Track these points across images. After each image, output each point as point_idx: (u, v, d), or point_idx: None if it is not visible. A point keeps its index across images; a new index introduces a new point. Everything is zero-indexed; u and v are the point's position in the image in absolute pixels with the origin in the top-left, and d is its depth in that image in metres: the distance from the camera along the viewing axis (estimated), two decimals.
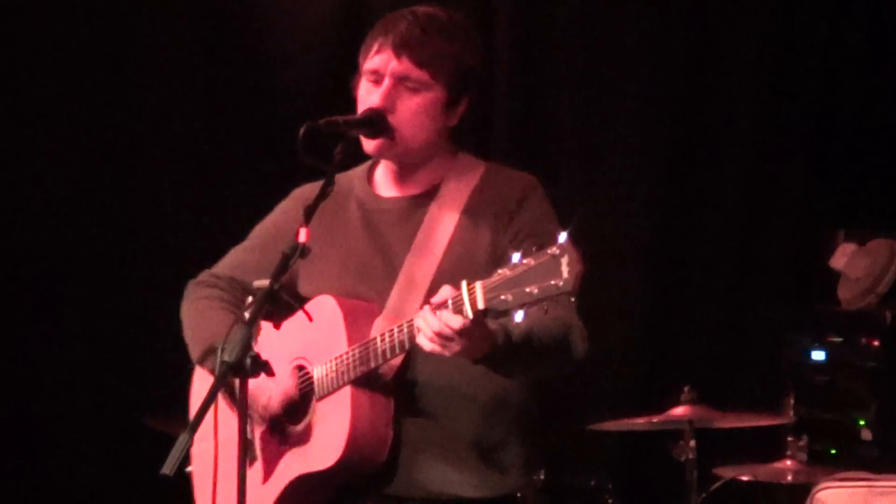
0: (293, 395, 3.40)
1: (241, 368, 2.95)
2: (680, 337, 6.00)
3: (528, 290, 2.85)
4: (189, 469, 3.56)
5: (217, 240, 3.74)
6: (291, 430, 3.41)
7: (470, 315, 2.95)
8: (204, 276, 3.64)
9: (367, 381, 3.28)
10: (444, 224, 3.38)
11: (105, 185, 5.87)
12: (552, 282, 2.83)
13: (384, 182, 3.50)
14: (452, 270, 3.21)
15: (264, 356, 2.99)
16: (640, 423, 5.09)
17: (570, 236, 2.84)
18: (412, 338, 3.11)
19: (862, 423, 5.46)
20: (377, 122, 3.34)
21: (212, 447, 3.20)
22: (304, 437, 3.38)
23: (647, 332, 5.99)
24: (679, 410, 5.02)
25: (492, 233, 3.36)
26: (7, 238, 5.79)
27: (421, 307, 3.10)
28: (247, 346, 2.95)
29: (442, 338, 3.01)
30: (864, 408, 5.48)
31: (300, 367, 3.43)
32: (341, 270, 3.42)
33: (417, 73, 3.34)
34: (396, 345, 3.18)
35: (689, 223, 6.05)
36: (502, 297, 2.89)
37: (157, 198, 5.89)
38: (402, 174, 3.46)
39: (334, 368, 3.30)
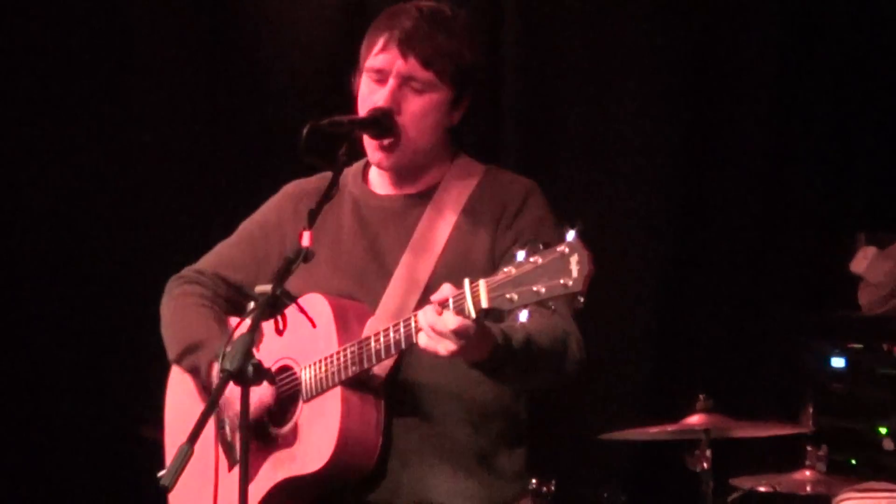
0: (267, 401, 3.37)
1: (242, 376, 2.94)
2: (695, 343, 5.99)
3: (535, 289, 2.82)
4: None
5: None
6: (276, 433, 3.38)
7: (472, 314, 2.93)
8: (186, 271, 3.64)
9: (358, 382, 3.27)
10: (441, 224, 3.37)
11: (101, 188, 5.89)
12: (561, 281, 2.79)
13: (380, 180, 3.50)
14: (449, 270, 3.20)
15: None
16: (653, 432, 5.08)
17: (579, 234, 2.82)
18: (408, 337, 3.10)
19: (883, 432, 5.45)
20: (384, 122, 3.34)
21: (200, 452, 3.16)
22: (289, 440, 3.36)
23: (660, 339, 5.98)
24: (694, 419, 5.01)
25: (490, 235, 3.35)
26: (6, 241, 5.82)
27: (418, 307, 3.09)
28: (248, 353, 2.94)
29: (442, 337, 2.98)
30: (885, 416, 5.47)
31: (284, 368, 3.40)
32: (332, 269, 3.41)
33: (424, 74, 3.35)
34: (392, 344, 3.16)
35: (704, 226, 6.03)
36: (507, 295, 2.86)
37: (157, 201, 5.90)
38: (400, 173, 3.45)
39: (324, 369, 3.29)
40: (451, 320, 2.94)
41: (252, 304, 3.06)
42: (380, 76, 3.37)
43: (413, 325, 3.08)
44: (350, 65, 3.47)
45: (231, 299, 3.58)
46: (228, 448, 3.47)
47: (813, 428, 5.28)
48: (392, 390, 3.31)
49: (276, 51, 5.97)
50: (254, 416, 3.35)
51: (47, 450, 5.86)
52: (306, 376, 3.33)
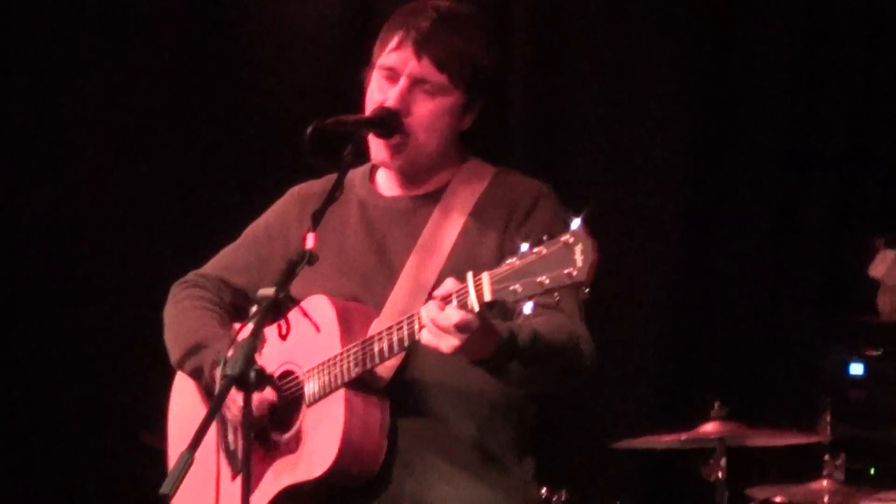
0: (268, 404, 3.36)
1: (244, 382, 2.93)
2: (710, 349, 5.97)
3: (538, 279, 2.81)
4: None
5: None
6: (279, 439, 3.37)
7: (476, 307, 2.91)
8: (190, 276, 3.63)
9: (361, 384, 3.25)
10: (449, 225, 3.36)
11: (103, 192, 5.90)
12: (565, 271, 2.78)
13: (387, 182, 3.49)
14: (457, 272, 3.19)
15: None
16: (667, 440, 5.08)
17: (584, 223, 2.80)
18: (412, 334, 3.08)
19: None
20: (390, 123, 3.33)
21: (202, 461, 3.16)
22: (292, 446, 3.34)
23: (674, 344, 5.96)
24: (709, 427, 5.01)
25: (499, 237, 3.34)
26: (5, 245, 5.83)
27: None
28: (250, 358, 2.94)
29: (445, 333, 2.96)
30: None
31: (287, 373, 3.39)
32: (338, 271, 3.40)
33: (437, 77, 3.34)
34: (395, 343, 3.15)
35: (720, 229, 6.02)
36: (511, 287, 2.85)
37: (159, 205, 5.92)
38: (407, 175, 3.44)
39: (326, 371, 3.27)
40: (453, 314, 2.93)
41: (254, 308, 3.06)
42: (391, 74, 3.36)
43: (416, 321, 3.07)
44: (354, 65, 3.47)
45: (235, 304, 3.57)
46: (231, 456, 3.47)
47: (831, 436, 5.26)
48: (397, 393, 3.29)
49: (278, 50, 5.97)
50: (256, 419, 3.32)
51: (48, 456, 5.87)
52: (308, 380, 3.32)
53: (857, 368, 5.64)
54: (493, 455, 3.33)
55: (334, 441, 3.22)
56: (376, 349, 3.19)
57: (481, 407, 3.32)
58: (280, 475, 3.34)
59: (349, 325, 3.30)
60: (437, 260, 3.33)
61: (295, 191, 3.61)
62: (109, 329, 5.84)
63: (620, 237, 5.63)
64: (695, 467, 5.04)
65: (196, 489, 3.22)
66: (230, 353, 3.04)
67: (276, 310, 3.04)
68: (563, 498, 4.84)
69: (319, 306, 3.32)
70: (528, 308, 2.83)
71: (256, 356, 2.96)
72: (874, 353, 5.63)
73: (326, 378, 3.27)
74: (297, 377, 3.36)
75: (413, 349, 3.15)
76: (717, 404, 5.02)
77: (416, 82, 3.34)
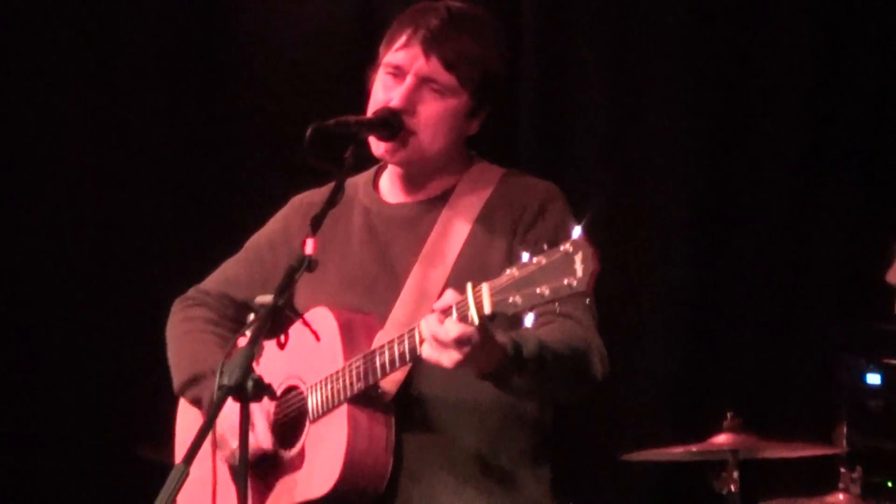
0: (264, 428, 3.34)
1: (241, 392, 2.91)
2: (722, 358, 5.96)
3: (538, 290, 2.80)
4: None
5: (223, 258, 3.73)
6: (283, 456, 3.35)
7: (476, 320, 2.89)
8: (192, 292, 3.62)
9: (366, 399, 3.23)
10: (456, 231, 3.34)
11: (103, 200, 5.92)
12: (565, 281, 2.78)
13: (391, 188, 3.47)
14: (463, 281, 3.17)
15: None
16: (678, 452, 5.06)
17: (585, 232, 2.79)
18: (413, 349, 3.07)
19: None
20: (392, 124, 3.31)
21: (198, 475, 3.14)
22: (296, 464, 3.32)
23: (686, 353, 5.95)
24: (721, 438, 4.99)
25: (507, 242, 3.32)
26: (4, 251, 5.85)
27: None
28: (248, 367, 2.91)
29: (445, 347, 2.95)
30: None
31: (291, 388, 3.37)
32: (341, 281, 3.39)
33: (445, 77, 3.32)
34: (397, 357, 3.13)
35: (733, 235, 6.01)
36: (510, 299, 2.84)
37: (159, 214, 5.93)
38: (411, 180, 3.43)
39: (329, 386, 3.25)
40: (453, 329, 2.92)
41: (252, 316, 3.04)
42: (398, 72, 3.35)
43: (417, 335, 3.05)
44: (355, 65, 3.45)
45: (239, 319, 3.55)
46: (236, 475, 3.44)
47: (847, 448, 5.25)
48: (403, 407, 3.28)
49: (278, 50, 5.98)
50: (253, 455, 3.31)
51: (45, 469, 5.88)
52: (312, 395, 3.30)
53: (874, 378, 5.63)
54: (504, 468, 3.31)
55: (337, 459, 3.21)
56: (378, 363, 3.17)
57: (491, 419, 3.30)
58: (284, 494, 3.33)
59: (352, 337, 3.28)
60: (442, 268, 3.31)
61: (297, 200, 3.59)
62: (108, 341, 5.86)
63: (632, 243, 5.63)
64: (707, 480, 5.02)
65: None
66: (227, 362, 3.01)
67: (276, 317, 3.02)
68: None
69: (322, 318, 3.30)
70: (528, 321, 2.82)
71: (254, 365, 2.94)
72: (892, 361, 5.61)
73: (329, 393, 3.25)
74: (300, 392, 3.34)
75: (418, 362, 3.12)
76: (729, 415, 5.00)
77: (423, 81, 3.32)
